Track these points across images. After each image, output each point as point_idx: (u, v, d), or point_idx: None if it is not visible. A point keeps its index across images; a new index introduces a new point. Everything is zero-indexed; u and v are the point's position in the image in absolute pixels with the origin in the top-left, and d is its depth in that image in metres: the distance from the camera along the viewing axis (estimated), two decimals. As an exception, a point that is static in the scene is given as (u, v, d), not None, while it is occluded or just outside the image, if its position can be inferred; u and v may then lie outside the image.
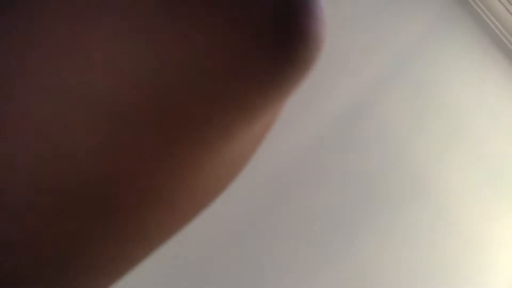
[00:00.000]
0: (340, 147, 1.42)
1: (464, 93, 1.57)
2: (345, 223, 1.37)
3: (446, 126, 1.53)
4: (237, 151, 0.15)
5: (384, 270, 1.37)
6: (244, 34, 0.12)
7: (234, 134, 0.14)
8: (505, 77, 1.62)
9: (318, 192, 1.37)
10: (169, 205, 0.14)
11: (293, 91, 0.15)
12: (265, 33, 0.13)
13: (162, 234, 0.15)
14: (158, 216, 0.14)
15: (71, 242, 0.13)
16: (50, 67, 0.12)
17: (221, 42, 0.12)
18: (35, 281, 0.13)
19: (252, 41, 0.12)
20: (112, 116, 0.12)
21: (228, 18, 0.12)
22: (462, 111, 1.55)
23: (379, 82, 1.51)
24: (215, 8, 0.12)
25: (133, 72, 0.12)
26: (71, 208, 0.12)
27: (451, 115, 1.54)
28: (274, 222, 1.32)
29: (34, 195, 0.12)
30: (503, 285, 1.47)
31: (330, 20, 1.52)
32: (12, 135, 0.11)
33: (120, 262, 0.15)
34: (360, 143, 1.44)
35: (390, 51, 1.55)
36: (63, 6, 0.11)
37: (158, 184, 0.13)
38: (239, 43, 0.12)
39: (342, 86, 1.47)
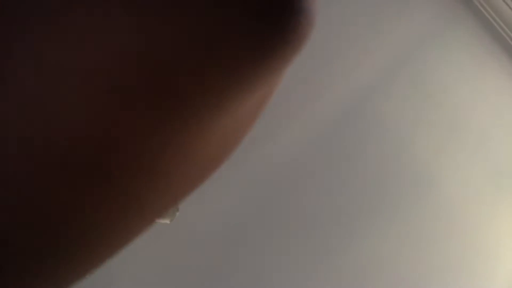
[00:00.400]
0: (340, 146, 1.43)
1: (466, 91, 1.57)
2: (345, 222, 1.37)
3: (448, 124, 1.53)
4: (230, 125, 0.15)
5: (383, 269, 1.37)
6: (232, 8, 0.13)
7: (226, 107, 0.14)
8: (506, 74, 1.62)
9: (317, 191, 1.37)
10: (164, 175, 0.15)
11: (285, 67, 0.15)
12: (253, 5, 0.13)
13: (158, 205, 0.16)
14: (154, 185, 0.15)
15: (66, 208, 0.13)
16: (48, 41, 0.12)
17: (208, 16, 0.13)
18: (30, 252, 0.13)
19: (242, 15, 0.13)
20: (105, 85, 0.12)
21: None
22: (463, 109, 1.56)
23: (380, 79, 1.51)
24: None
25: (125, 48, 0.12)
26: (66, 174, 0.13)
27: (452, 113, 1.54)
28: (274, 221, 1.32)
29: (29, 160, 0.12)
30: (504, 284, 1.47)
31: (331, 18, 1.53)
32: (8, 99, 0.12)
33: (117, 233, 0.16)
34: (360, 141, 1.44)
35: (391, 49, 1.55)
36: None
37: (151, 151, 0.14)
38: (227, 16, 0.13)
39: (342, 84, 1.48)
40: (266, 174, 1.34)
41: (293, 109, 1.41)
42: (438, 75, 1.57)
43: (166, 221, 1.19)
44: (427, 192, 1.46)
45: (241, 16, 0.13)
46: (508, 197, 1.54)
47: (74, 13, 0.12)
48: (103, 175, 0.13)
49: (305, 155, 1.38)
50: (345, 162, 1.41)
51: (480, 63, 1.61)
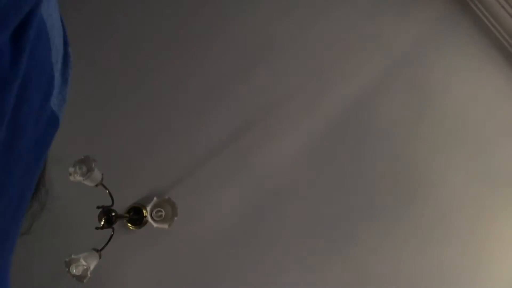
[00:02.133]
0: (339, 147, 1.43)
1: (463, 94, 1.58)
2: (344, 223, 1.38)
3: (445, 126, 1.53)
4: None
5: (383, 269, 1.38)
6: None
7: None
8: (503, 78, 1.63)
9: (318, 192, 1.38)
10: None
11: None
12: None
13: None
14: None
15: None
16: None
17: None
18: None
19: None
20: None
21: None
22: (460, 111, 1.56)
23: (379, 82, 1.51)
24: None
25: None
26: None
27: (450, 115, 1.55)
28: (275, 223, 1.33)
29: None
30: (503, 284, 1.47)
31: (331, 21, 1.53)
32: None
33: None
34: (359, 142, 1.45)
35: (389, 52, 1.56)
36: None
37: None
38: None
39: (341, 86, 1.48)
40: (267, 176, 1.35)
41: (294, 111, 1.42)
42: (437, 78, 1.58)
43: (164, 226, 1.20)
44: (425, 193, 1.46)
45: None
46: (506, 195, 1.54)
47: None
48: None
49: (305, 157, 1.39)
50: (344, 162, 1.42)
51: (477, 66, 1.62)
